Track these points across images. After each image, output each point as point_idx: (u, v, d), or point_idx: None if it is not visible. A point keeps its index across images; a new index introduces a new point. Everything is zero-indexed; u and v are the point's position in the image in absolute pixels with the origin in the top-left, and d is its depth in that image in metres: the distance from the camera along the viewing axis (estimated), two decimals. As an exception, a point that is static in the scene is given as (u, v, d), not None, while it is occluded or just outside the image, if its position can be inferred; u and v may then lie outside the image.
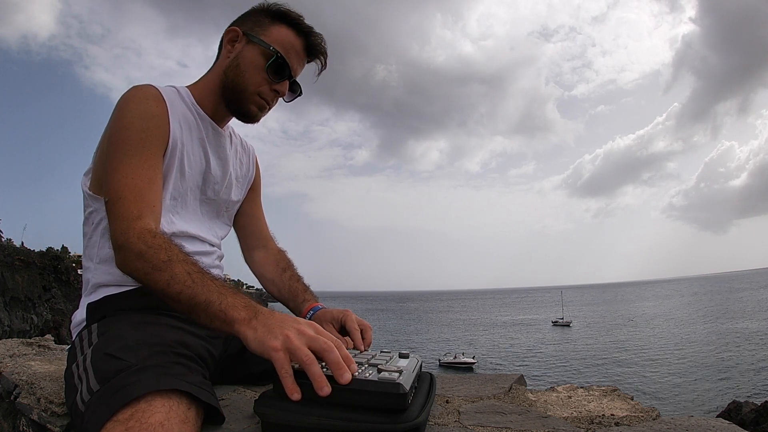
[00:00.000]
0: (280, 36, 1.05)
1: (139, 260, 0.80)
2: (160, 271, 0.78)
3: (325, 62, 1.13)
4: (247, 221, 1.30)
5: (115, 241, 0.85)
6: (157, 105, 0.97)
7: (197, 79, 1.12)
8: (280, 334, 0.69)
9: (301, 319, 0.74)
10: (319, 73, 1.15)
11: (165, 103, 0.99)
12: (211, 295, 0.75)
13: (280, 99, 1.11)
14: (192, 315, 0.77)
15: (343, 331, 1.04)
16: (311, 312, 1.11)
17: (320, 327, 0.73)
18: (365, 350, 0.95)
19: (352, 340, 0.99)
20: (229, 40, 1.07)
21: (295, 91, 1.13)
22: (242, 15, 1.10)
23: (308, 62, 1.12)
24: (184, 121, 1.03)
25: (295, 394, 0.66)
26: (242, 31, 1.05)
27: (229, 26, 1.08)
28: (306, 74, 1.15)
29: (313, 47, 1.09)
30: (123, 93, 0.99)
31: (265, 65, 1.03)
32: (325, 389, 0.65)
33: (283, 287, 1.23)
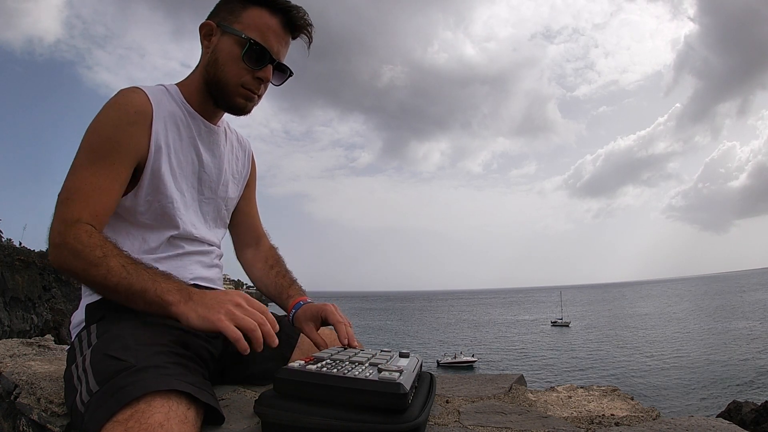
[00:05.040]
0: (254, 19, 0.99)
1: (75, 259, 0.84)
2: (96, 266, 0.82)
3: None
4: (241, 219, 1.28)
5: (51, 238, 0.88)
6: (137, 112, 0.95)
7: (185, 77, 1.09)
8: (221, 309, 0.77)
9: (234, 292, 0.82)
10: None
11: (150, 108, 0.97)
12: (146, 284, 0.81)
13: (271, 83, 1.06)
14: (130, 304, 0.83)
15: (327, 326, 1.04)
16: (293, 310, 1.09)
17: (252, 298, 0.81)
18: (347, 345, 0.95)
19: (337, 333, 0.98)
20: (204, 35, 1.03)
21: (284, 71, 1.08)
22: (215, 6, 1.05)
23: (294, 39, 1.06)
24: (172, 122, 1.01)
25: (246, 346, 0.75)
26: (216, 23, 1.02)
27: (205, 20, 1.04)
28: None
29: (293, 23, 1.03)
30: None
31: (241, 54, 0.99)
32: (258, 347, 0.75)
33: (270, 284, 1.21)
